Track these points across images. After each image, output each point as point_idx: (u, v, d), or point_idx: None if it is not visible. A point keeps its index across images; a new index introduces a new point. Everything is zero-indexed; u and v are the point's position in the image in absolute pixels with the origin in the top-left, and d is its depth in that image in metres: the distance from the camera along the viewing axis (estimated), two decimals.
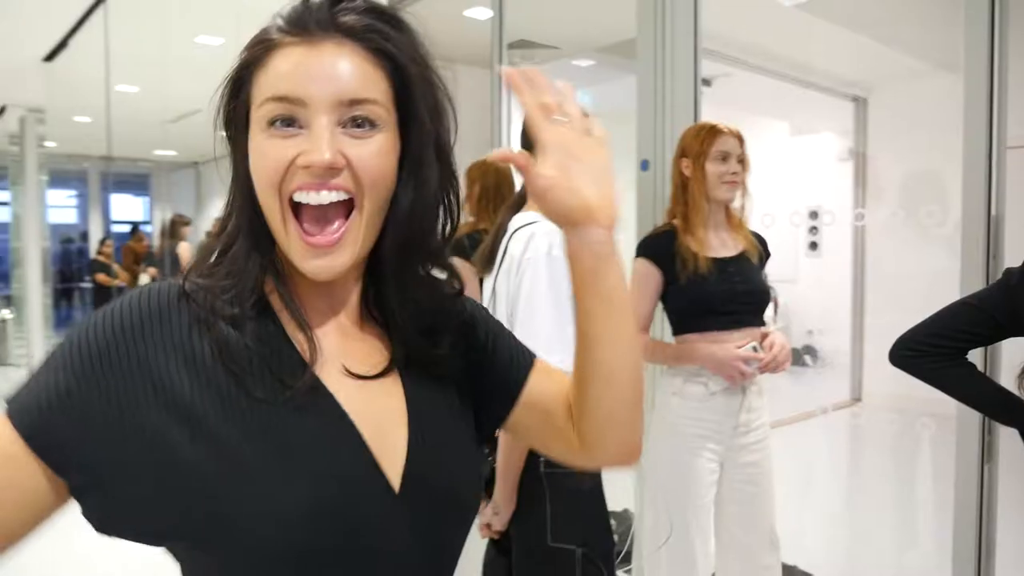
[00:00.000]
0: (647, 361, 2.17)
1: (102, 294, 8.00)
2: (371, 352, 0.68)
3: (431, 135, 0.65)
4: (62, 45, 5.49)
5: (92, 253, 9.18)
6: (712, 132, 1.95)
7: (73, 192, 12.03)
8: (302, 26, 0.61)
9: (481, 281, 1.82)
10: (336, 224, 0.61)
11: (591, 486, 1.60)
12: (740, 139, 1.97)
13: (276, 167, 0.60)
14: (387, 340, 0.70)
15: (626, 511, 3.06)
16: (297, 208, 0.61)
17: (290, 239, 0.61)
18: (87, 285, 10.08)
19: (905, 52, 3.54)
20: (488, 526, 1.64)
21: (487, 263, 1.70)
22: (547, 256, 1.52)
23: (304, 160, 0.59)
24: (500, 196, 2.58)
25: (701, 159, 1.93)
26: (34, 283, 8.02)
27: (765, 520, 1.97)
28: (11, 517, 0.56)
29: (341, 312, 0.68)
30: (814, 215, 5.73)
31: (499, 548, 1.74)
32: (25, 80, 6.32)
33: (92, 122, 6.90)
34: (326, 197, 0.60)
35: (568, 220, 0.64)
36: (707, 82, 6.06)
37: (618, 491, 3.10)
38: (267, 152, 0.60)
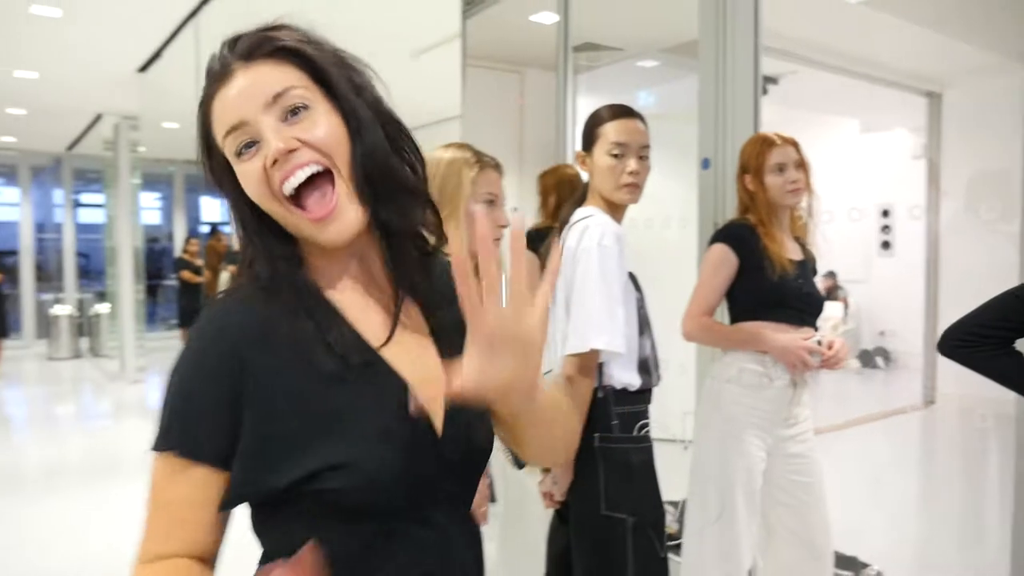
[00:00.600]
0: (710, 344, 2.23)
1: (187, 290, 8.44)
2: (407, 318, 0.80)
3: (355, 93, 0.76)
4: (156, 57, 5.87)
5: (177, 252, 9.70)
6: (765, 144, 2.00)
7: (158, 195, 12.73)
8: (217, 75, 0.75)
9: None
10: (328, 194, 0.73)
11: (642, 460, 1.70)
12: (795, 145, 2.01)
13: (259, 179, 0.72)
14: (417, 306, 0.81)
15: (684, 501, 3.12)
16: (298, 198, 0.73)
17: (301, 224, 0.74)
18: (171, 283, 10.66)
19: (979, 46, 3.48)
20: (549, 495, 1.75)
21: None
22: (598, 247, 1.65)
23: (268, 160, 0.71)
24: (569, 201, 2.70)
25: (760, 174, 1.99)
26: (127, 280, 8.54)
27: (817, 511, 2.01)
28: (216, 523, 0.73)
29: (374, 286, 0.80)
30: (886, 214, 5.61)
31: (561, 517, 1.85)
32: (120, 90, 6.76)
33: (179, 128, 7.31)
34: (302, 175, 0.72)
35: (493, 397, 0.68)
36: (773, 80, 6.02)
37: (675, 481, 3.16)
38: (247, 173, 0.73)
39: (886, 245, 6.06)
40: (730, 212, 2.29)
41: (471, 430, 0.78)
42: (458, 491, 0.80)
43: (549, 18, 3.80)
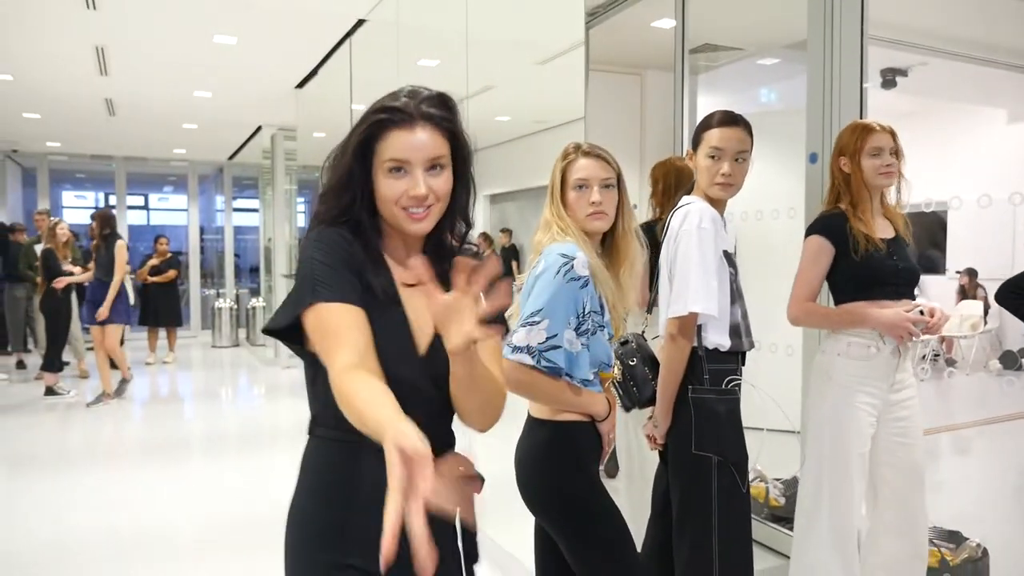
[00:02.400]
0: (816, 326, 2.40)
1: None
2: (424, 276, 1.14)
3: (465, 163, 1.19)
4: (312, 74, 6.56)
5: None
6: (865, 131, 2.18)
7: (304, 199, 13.82)
8: (401, 117, 1.11)
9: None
10: (424, 209, 1.14)
11: (728, 409, 1.97)
12: (892, 134, 2.18)
13: (397, 193, 1.12)
14: (434, 269, 1.13)
15: (795, 478, 3.27)
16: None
17: (400, 219, 1.14)
18: None
19: None
20: (651, 438, 2.05)
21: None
22: (698, 228, 1.94)
23: (411, 192, 1.11)
24: (680, 191, 2.95)
25: (857, 156, 2.17)
26: (281, 276, 9.42)
27: (916, 473, 2.17)
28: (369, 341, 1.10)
29: (414, 253, 1.21)
30: None
31: (664, 461, 2.13)
32: (279, 104, 7.54)
33: (326, 137, 8.03)
34: (423, 216, 1.14)
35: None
36: (902, 72, 5.92)
37: (788, 459, 3.32)
38: (391, 185, 1.12)
39: None
40: None
41: (444, 356, 1.08)
42: (433, 396, 1.15)
43: (669, 23, 4.00)
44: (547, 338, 1.65)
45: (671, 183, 2.99)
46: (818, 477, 2.18)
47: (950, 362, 7.39)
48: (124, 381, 6.79)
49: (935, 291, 7.22)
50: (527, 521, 1.91)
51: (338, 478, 1.16)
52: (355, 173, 1.14)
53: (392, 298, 1.15)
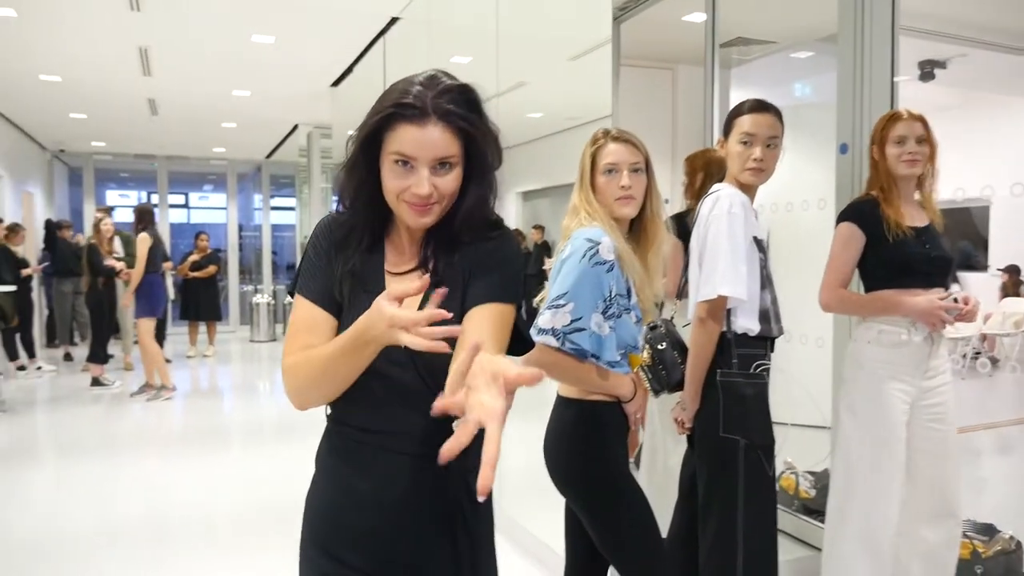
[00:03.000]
0: (848, 312, 2.38)
1: None
2: (415, 276, 1.16)
3: (481, 163, 1.11)
4: (347, 72, 6.66)
5: None
6: (892, 119, 2.20)
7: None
8: (412, 111, 1.04)
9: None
10: (432, 211, 1.09)
11: (755, 393, 1.99)
12: (923, 122, 2.18)
13: (399, 189, 1.07)
14: (429, 263, 1.16)
15: (825, 471, 3.26)
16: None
17: (400, 210, 1.10)
18: None
19: None
20: (680, 422, 2.08)
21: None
22: (727, 213, 1.96)
23: (414, 190, 1.06)
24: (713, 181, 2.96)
25: (883, 144, 2.20)
26: None
27: (951, 458, 2.16)
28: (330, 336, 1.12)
29: (415, 240, 1.17)
30: None
31: (691, 445, 2.16)
32: (316, 103, 7.66)
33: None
34: (425, 211, 1.09)
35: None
36: (940, 63, 5.81)
37: (820, 453, 3.31)
38: (395, 178, 1.07)
39: None
40: None
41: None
42: (421, 389, 1.09)
43: (700, 17, 4.00)
44: (571, 321, 1.69)
45: (712, 172, 3.00)
46: (849, 467, 2.18)
47: (993, 360, 7.26)
48: (149, 386, 6.66)
49: (976, 288, 7.07)
50: (558, 507, 1.96)
51: (335, 472, 1.19)
52: (359, 162, 1.11)
53: (378, 286, 1.11)
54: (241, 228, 13.57)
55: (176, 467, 4.69)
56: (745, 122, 2.05)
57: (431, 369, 1.08)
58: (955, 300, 2.10)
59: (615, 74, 4.20)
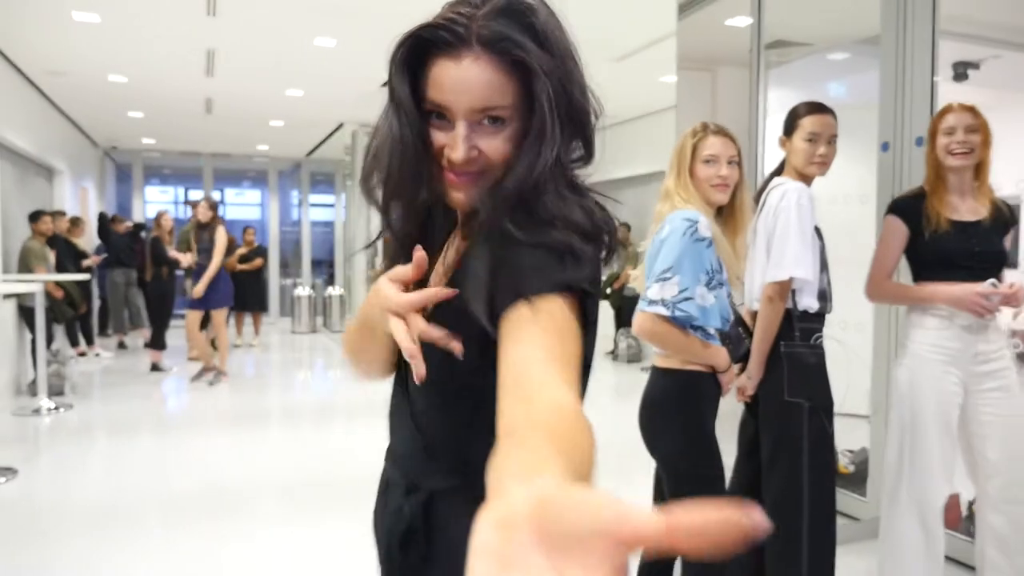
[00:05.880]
0: (891, 302, 2.48)
1: None
2: (441, 264, 0.91)
3: (552, 114, 0.75)
4: None
5: None
6: (943, 112, 2.26)
7: None
8: (452, 36, 0.74)
9: None
10: (465, 176, 0.79)
11: (815, 362, 2.22)
12: (972, 112, 2.21)
13: (435, 148, 0.79)
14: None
15: (863, 448, 3.48)
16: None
17: (438, 179, 0.80)
18: None
19: None
20: (742, 390, 2.29)
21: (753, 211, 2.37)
22: (797, 204, 2.19)
23: (447, 153, 0.77)
24: None
25: (934, 136, 2.25)
26: (361, 267, 9.84)
27: (1014, 443, 2.19)
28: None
29: (451, 221, 0.90)
30: None
31: (750, 411, 2.40)
32: (363, 101, 7.92)
33: None
34: (462, 182, 0.79)
35: None
36: (974, 64, 5.99)
37: (859, 433, 3.53)
38: (433, 134, 0.79)
39: None
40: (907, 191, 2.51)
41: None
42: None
43: (743, 21, 4.22)
44: (679, 291, 1.84)
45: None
46: (900, 449, 2.26)
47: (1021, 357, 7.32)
48: (206, 369, 6.93)
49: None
50: (643, 485, 2.18)
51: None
52: (389, 109, 0.81)
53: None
54: (281, 223, 13.90)
55: (227, 444, 4.98)
56: (808, 123, 2.26)
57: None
58: (993, 284, 2.11)
59: (679, 72, 4.40)
